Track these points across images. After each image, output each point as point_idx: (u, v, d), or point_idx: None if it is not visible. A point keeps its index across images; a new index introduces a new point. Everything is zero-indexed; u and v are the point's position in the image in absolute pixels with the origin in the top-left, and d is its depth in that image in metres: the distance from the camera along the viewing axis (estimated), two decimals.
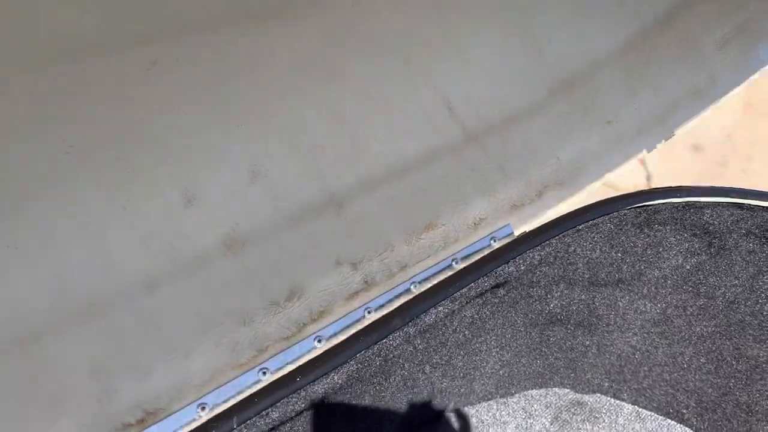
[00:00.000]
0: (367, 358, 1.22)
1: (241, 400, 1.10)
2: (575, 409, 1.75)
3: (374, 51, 1.36)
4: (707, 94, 1.79)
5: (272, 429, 1.12)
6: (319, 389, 1.17)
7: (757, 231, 1.46)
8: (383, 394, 1.34)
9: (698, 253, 1.47)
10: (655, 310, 1.57)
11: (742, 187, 1.49)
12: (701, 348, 1.55)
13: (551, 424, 1.75)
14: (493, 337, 1.52)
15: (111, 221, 1.09)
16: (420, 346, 1.34)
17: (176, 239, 1.15)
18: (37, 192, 1.06)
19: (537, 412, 1.75)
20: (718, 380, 1.56)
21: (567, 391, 1.75)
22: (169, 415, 1.05)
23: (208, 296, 1.16)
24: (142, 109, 1.14)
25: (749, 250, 1.43)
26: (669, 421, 1.70)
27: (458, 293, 1.32)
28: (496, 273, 1.35)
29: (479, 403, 1.70)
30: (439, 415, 1.63)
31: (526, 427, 1.73)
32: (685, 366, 1.59)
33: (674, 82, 1.75)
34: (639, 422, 1.72)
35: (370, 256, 1.30)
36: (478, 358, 1.55)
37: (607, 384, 1.72)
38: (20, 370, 1.01)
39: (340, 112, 1.31)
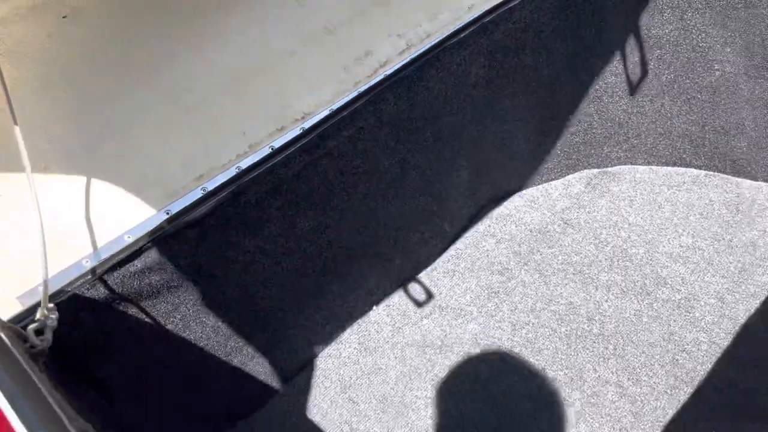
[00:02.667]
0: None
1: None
2: (602, 176, 2.09)
3: None
4: None
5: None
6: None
7: None
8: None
9: (635, 10, 1.87)
10: (626, 69, 2.01)
11: None
12: (673, 91, 2.00)
13: (585, 188, 2.06)
14: (519, 117, 1.93)
15: None
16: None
17: None
18: None
19: (572, 182, 2.07)
20: (694, 116, 1.99)
21: (590, 171, 2.11)
22: None
23: None
24: None
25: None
26: (676, 168, 2.07)
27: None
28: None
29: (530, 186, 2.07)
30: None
31: (568, 194, 2.04)
32: (669, 114, 2.02)
33: None
34: (652, 173, 2.08)
35: None
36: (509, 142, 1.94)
37: (622, 154, 2.09)
38: None
39: None
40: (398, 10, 1.57)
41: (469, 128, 1.76)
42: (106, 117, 1.24)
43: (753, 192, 1.97)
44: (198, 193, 1.23)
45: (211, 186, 1.24)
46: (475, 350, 1.72)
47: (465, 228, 1.98)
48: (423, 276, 1.89)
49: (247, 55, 1.40)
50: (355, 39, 1.49)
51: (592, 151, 2.09)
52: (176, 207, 1.21)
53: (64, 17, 1.25)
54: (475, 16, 1.58)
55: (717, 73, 1.89)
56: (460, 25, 1.56)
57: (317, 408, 1.63)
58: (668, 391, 1.58)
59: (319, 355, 1.72)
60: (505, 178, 2.01)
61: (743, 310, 1.71)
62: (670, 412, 1.54)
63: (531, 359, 1.68)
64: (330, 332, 1.73)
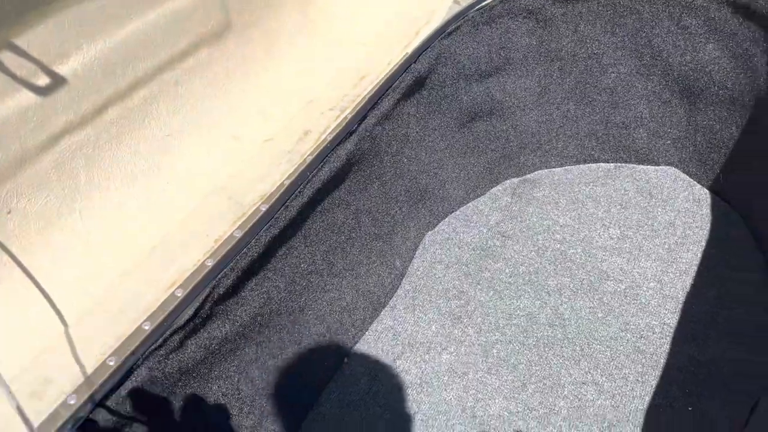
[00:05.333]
0: None
1: None
2: (523, 184, 2.20)
3: None
4: None
5: None
6: None
7: None
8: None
9: (534, 30, 2.14)
10: (532, 83, 2.17)
11: None
12: (576, 96, 2.15)
13: (511, 198, 2.16)
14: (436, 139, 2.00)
15: None
16: None
17: None
18: None
19: (498, 195, 2.16)
20: (597, 116, 2.15)
21: (512, 181, 2.21)
22: None
23: None
24: None
25: (562, 13, 2.16)
26: (588, 165, 2.22)
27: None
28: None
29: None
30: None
31: (497, 207, 2.13)
32: (574, 117, 2.17)
33: None
34: (568, 173, 2.22)
35: None
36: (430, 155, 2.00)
37: (537, 160, 2.22)
38: None
39: None
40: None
41: (408, 164, 1.78)
42: None
43: (659, 176, 2.15)
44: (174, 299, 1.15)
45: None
46: (455, 380, 1.73)
47: (412, 258, 2.00)
48: (385, 316, 1.88)
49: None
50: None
51: (511, 162, 2.19)
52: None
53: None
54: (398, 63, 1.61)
55: (612, 75, 2.04)
56: (388, 75, 1.57)
57: None
58: (639, 378, 1.69)
59: (303, 424, 1.66)
60: (439, 202, 2.05)
61: (680, 288, 1.86)
62: (647, 399, 1.65)
63: (509, 376, 1.73)
64: (310, 397, 1.68)
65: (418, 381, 1.74)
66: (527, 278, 1.94)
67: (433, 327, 1.85)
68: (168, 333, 1.11)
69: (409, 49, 1.62)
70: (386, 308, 1.90)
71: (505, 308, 1.87)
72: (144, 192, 1.30)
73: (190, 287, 1.16)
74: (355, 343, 1.81)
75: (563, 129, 2.16)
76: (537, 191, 2.17)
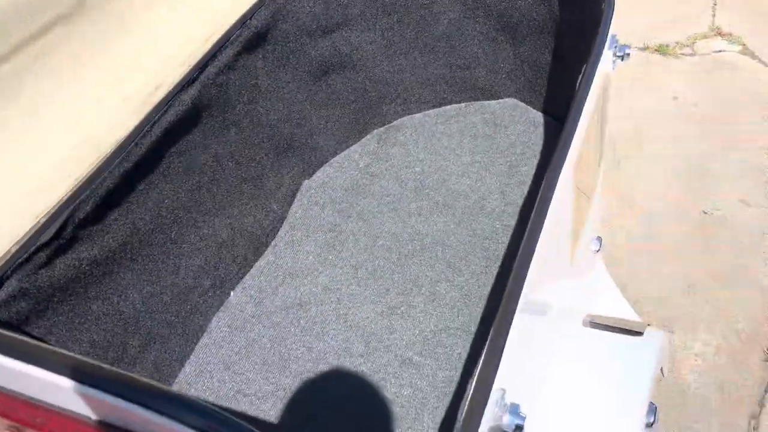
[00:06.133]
0: None
1: None
2: (389, 131, 2.48)
3: None
4: None
5: None
6: None
7: None
8: None
9: None
10: (376, 36, 2.40)
11: None
12: (419, 45, 2.43)
13: (378, 143, 2.44)
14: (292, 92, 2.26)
15: None
16: None
17: None
18: None
19: (367, 143, 2.44)
20: (440, 61, 2.45)
21: (378, 130, 2.49)
22: None
23: None
24: None
25: None
26: (443, 107, 2.51)
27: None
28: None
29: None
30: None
31: (366, 152, 2.40)
32: (422, 65, 2.45)
33: None
34: (427, 117, 2.51)
35: None
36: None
37: (398, 108, 2.50)
38: None
39: None
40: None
41: (266, 114, 2.03)
42: None
43: (502, 108, 2.45)
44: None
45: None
46: (329, 295, 1.98)
47: (291, 203, 2.24)
48: (268, 253, 2.12)
49: None
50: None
51: (375, 113, 2.45)
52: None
53: None
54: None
55: (444, 21, 2.33)
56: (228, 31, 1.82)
57: (209, 391, 1.79)
58: (484, 270, 1.97)
59: (195, 347, 1.88)
60: (310, 152, 2.30)
61: (519, 195, 2.16)
62: (490, 285, 1.93)
63: (375, 286, 1.98)
64: (200, 324, 1.90)
65: (298, 302, 1.98)
66: (391, 206, 2.20)
67: (311, 257, 2.09)
68: (33, 249, 1.32)
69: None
70: (269, 247, 2.13)
71: (372, 233, 2.13)
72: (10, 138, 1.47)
73: (52, 213, 1.37)
74: (241, 277, 2.04)
75: (415, 77, 2.44)
76: (400, 135, 2.44)
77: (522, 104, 2.44)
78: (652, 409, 1.37)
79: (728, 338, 2.28)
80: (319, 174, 2.34)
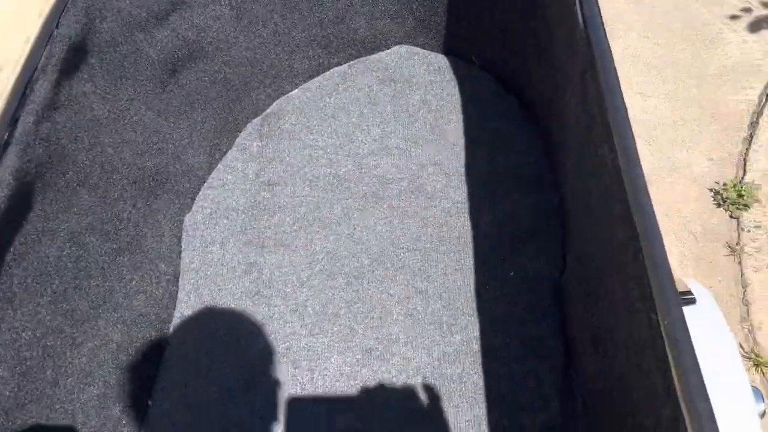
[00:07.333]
0: None
1: None
2: (267, 121, 1.97)
3: None
4: None
5: None
6: None
7: None
8: None
9: None
10: (223, 8, 1.79)
11: None
12: (277, 7, 1.90)
13: (261, 141, 1.92)
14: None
15: None
16: None
17: None
18: None
19: (245, 143, 1.91)
20: (308, 21, 1.95)
21: (254, 123, 1.96)
22: None
23: None
24: None
25: None
26: (322, 75, 2.03)
27: None
28: None
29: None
30: None
31: (249, 157, 1.88)
32: (286, 31, 1.94)
33: None
34: (306, 91, 2.02)
35: None
36: None
37: (270, 91, 1.97)
38: None
39: None
40: None
41: (116, 153, 1.43)
42: None
43: (394, 59, 2.02)
44: None
45: None
46: (280, 360, 1.51)
47: (181, 254, 1.69)
48: (179, 329, 1.58)
49: None
50: None
51: (243, 103, 1.91)
52: None
53: None
54: None
55: None
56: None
57: None
58: (456, 267, 1.60)
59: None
60: (180, 179, 1.73)
61: (455, 161, 1.79)
62: (470, 282, 1.57)
63: (334, 328, 1.54)
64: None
65: (242, 384, 1.48)
66: (311, 217, 1.73)
67: (231, 317, 1.58)
68: None
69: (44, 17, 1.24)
70: (174, 320, 1.58)
71: (301, 259, 1.66)
72: None
73: None
74: (153, 382, 1.49)
75: (280, 46, 1.92)
76: (283, 123, 1.93)
77: (417, 49, 2.03)
78: (759, 395, 1.12)
79: None
80: (201, 202, 1.79)
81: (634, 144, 0.91)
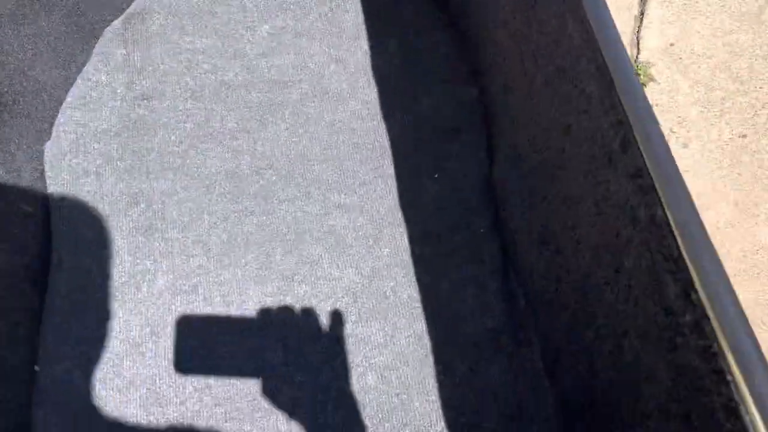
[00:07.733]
0: None
1: None
2: (129, 23, 1.65)
3: None
4: None
5: None
6: None
7: None
8: None
9: None
10: None
11: None
12: None
13: (125, 48, 1.62)
14: None
15: None
16: None
17: None
18: None
19: (104, 55, 1.60)
20: None
21: (114, 26, 1.64)
22: None
23: None
24: None
25: None
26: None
27: None
28: None
29: None
30: None
31: (114, 68, 1.57)
32: None
33: None
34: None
35: None
36: None
37: None
38: None
39: None
40: None
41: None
42: None
43: None
44: None
45: None
46: (184, 301, 1.32)
47: (45, 191, 1.40)
48: (53, 289, 1.33)
49: None
50: None
51: (97, 4, 1.58)
52: None
53: None
54: None
55: None
56: None
57: None
58: (377, 176, 1.45)
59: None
60: (31, 102, 1.41)
61: (361, 53, 1.60)
62: (393, 196, 1.43)
63: (245, 256, 1.36)
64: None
65: (147, 333, 1.29)
66: (200, 134, 1.49)
67: (126, 262, 1.35)
68: None
69: None
70: (52, 270, 1.33)
71: (196, 183, 1.43)
72: None
73: None
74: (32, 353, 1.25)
75: None
76: (150, 24, 1.62)
77: None
78: None
79: None
80: (62, 126, 1.48)
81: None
